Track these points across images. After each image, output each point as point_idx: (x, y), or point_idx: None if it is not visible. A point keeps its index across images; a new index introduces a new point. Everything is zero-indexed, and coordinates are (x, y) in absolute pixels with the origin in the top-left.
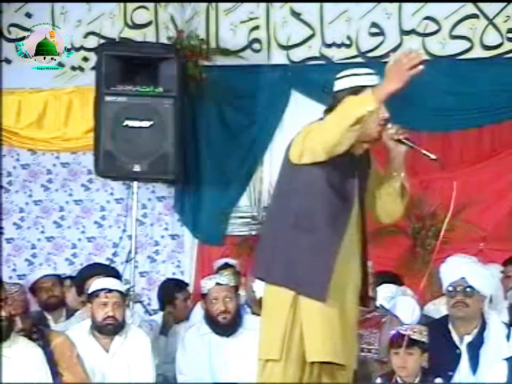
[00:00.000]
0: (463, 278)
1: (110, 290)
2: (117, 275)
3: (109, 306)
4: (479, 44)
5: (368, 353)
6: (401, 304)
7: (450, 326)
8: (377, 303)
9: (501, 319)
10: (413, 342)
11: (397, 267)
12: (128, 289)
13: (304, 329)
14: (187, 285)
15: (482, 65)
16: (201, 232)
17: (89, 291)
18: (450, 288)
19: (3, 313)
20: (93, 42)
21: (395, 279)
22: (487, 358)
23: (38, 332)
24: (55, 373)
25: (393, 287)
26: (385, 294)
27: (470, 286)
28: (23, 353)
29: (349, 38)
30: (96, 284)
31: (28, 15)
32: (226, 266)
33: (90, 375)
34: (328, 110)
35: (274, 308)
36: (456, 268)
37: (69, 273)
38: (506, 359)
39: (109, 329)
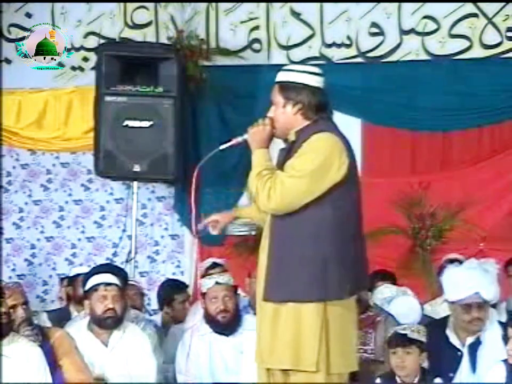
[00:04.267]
0: (477, 293)
1: (109, 284)
2: (125, 276)
3: (109, 299)
4: (479, 43)
5: (364, 354)
6: (402, 303)
7: (448, 331)
8: (371, 302)
9: (500, 319)
10: (411, 341)
11: (397, 267)
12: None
13: None
14: (187, 286)
15: (481, 65)
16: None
17: (87, 287)
18: (463, 303)
19: (3, 310)
20: (93, 42)
21: (389, 277)
22: (484, 359)
23: (37, 329)
24: (55, 367)
25: (393, 288)
26: (385, 294)
27: (484, 301)
28: (22, 353)
29: (349, 38)
30: (94, 279)
31: (28, 15)
32: (214, 265)
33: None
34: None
35: None
36: (468, 282)
37: (68, 273)
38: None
39: (108, 322)
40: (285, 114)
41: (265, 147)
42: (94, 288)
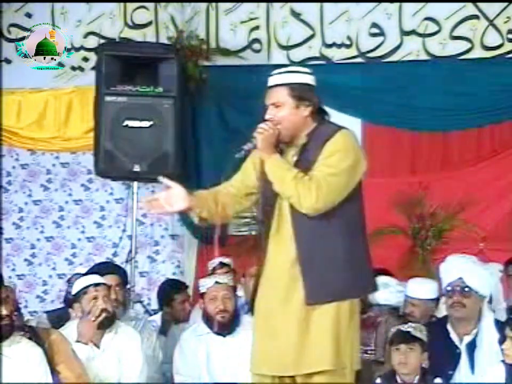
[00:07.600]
0: (460, 278)
1: (97, 284)
2: (124, 275)
3: (100, 300)
4: (480, 45)
5: (365, 354)
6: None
7: (449, 326)
8: (373, 302)
9: (499, 319)
10: (413, 338)
11: (397, 267)
12: (128, 289)
13: None
14: (186, 286)
15: (482, 66)
16: (201, 232)
17: (75, 291)
18: (448, 288)
19: (4, 312)
20: (93, 42)
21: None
22: (480, 361)
23: (30, 331)
24: (52, 371)
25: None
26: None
27: (467, 286)
28: (23, 353)
29: (349, 38)
30: (81, 282)
31: (28, 15)
32: (221, 265)
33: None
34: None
35: None
36: (454, 268)
37: (67, 273)
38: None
39: (103, 322)
40: (298, 116)
41: (276, 152)
42: (84, 290)
